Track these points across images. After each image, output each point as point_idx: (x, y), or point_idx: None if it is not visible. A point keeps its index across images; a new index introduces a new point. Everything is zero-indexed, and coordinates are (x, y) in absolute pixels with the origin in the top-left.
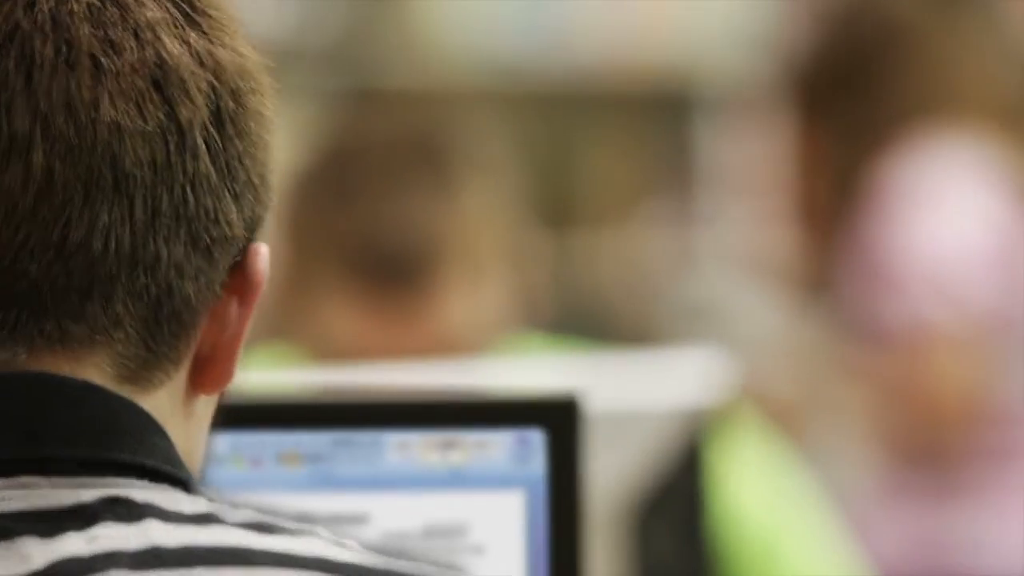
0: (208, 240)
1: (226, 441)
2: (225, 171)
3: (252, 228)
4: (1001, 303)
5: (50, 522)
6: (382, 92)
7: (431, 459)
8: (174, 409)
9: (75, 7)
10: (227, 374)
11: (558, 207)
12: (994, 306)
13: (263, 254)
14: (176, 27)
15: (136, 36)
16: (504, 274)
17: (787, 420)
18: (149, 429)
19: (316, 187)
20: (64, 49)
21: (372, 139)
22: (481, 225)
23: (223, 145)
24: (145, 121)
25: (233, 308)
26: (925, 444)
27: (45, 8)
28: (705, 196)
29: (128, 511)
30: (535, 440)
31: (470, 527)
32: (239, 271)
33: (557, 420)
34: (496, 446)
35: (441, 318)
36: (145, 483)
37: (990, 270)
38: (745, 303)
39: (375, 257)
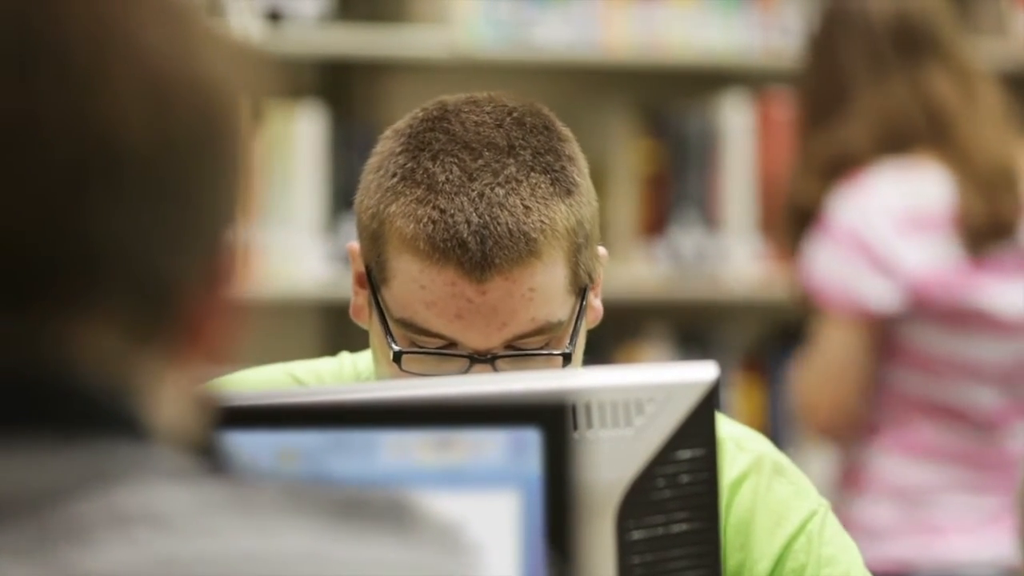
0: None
1: None
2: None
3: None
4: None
5: None
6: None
7: (426, 459)
8: (160, 383)
9: None
10: (213, 348)
11: None
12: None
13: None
14: None
15: None
16: None
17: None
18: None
19: None
20: None
21: None
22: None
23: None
24: None
25: (215, 290)
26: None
27: None
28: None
29: None
30: (530, 440)
31: (465, 527)
32: (217, 257)
33: (552, 420)
34: (491, 446)
35: None
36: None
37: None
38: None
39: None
